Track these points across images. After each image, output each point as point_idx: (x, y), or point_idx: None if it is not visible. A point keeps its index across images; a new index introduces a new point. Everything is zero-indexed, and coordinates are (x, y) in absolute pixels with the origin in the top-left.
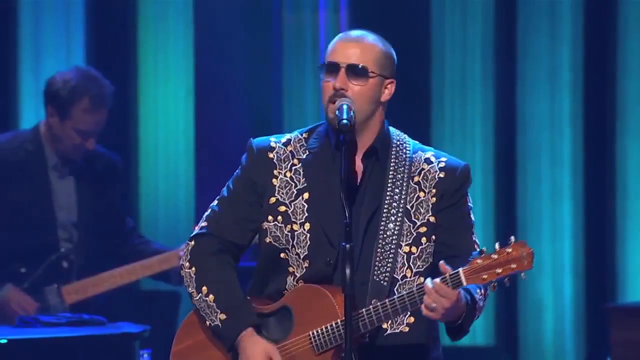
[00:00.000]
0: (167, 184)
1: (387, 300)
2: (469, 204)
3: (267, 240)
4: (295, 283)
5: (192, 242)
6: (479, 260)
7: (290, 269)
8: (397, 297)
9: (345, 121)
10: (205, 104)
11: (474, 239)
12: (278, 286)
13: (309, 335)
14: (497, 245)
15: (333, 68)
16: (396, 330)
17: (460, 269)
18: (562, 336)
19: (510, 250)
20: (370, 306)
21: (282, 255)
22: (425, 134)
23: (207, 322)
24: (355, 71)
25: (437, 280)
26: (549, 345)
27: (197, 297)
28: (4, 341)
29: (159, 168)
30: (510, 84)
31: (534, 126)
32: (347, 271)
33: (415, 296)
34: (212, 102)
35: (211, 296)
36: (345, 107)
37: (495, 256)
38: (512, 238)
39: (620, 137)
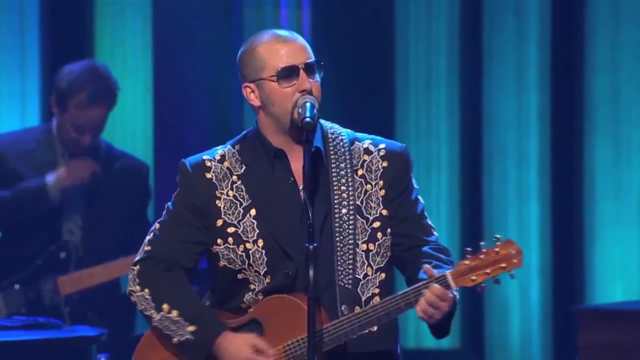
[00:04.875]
0: None
1: (369, 307)
2: (415, 187)
3: (221, 264)
4: (254, 297)
5: (138, 267)
6: (466, 262)
7: (252, 286)
8: (380, 305)
9: (308, 119)
10: (164, 101)
11: (429, 223)
12: (238, 301)
13: (284, 347)
14: (482, 245)
15: (291, 72)
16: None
17: (447, 272)
18: (529, 338)
19: (498, 249)
20: (351, 314)
21: (239, 276)
22: (389, 132)
23: (174, 339)
24: (312, 68)
25: (436, 285)
26: (515, 348)
27: (158, 317)
28: None
29: None
30: (476, 81)
31: (500, 125)
32: (311, 272)
33: (400, 303)
34: (171, 99)
35: (175, 312)
36: (309, 104)
37: (483, 256)
38: (499, 237)
39: (587, 136)
